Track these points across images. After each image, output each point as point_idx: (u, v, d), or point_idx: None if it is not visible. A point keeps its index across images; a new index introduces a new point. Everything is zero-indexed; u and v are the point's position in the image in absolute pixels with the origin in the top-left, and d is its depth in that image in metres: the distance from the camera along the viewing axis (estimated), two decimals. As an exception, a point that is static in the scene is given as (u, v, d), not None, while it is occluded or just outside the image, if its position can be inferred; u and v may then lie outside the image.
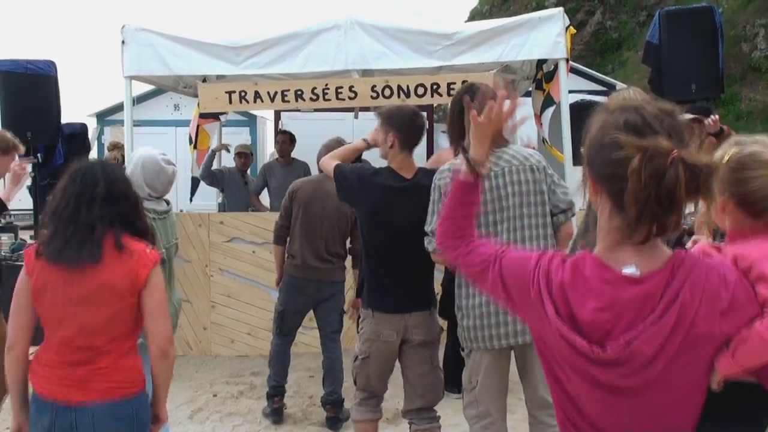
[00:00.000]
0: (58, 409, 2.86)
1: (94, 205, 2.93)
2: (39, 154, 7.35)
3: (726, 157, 2.01)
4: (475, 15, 29.74)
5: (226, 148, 8.63)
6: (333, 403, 5.48)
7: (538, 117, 6.78)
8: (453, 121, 3.82)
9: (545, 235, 3.62)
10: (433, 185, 3.75)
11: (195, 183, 8.47)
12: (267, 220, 6.83)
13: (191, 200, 8.71)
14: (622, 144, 1.62)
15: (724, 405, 1.75)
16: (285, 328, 5.56)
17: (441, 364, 4.32)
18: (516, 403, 3.70)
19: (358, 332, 4.29)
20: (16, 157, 5.10)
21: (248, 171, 9.07)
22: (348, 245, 5.67)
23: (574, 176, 6.01)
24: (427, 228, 3.69)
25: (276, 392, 5.55)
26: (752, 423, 1.90)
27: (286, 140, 8.60)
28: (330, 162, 4.32)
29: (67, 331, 2.88)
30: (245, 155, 8.82)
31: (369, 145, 4.41)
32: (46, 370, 2.91)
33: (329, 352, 5.57)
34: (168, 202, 4.35)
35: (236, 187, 8.68)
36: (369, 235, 4.15)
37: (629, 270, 1.68)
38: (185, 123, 10.19)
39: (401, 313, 4.04)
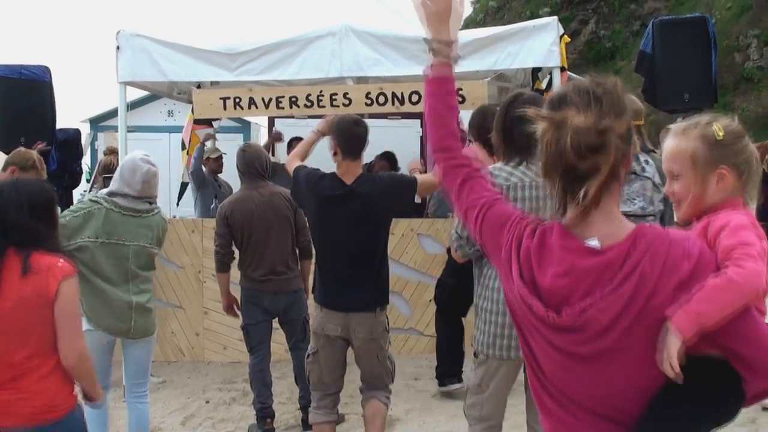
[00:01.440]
0: None
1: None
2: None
3: (720, 132, 2.02)
4: (470, 23, 29.81)
5: (213, 136, 8.46)
6: (305, 406, 5.50)
7: None
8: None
9: None
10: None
11: (183, 188, 8.46)
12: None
13: (177, 204, 8.69)
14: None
15: (684, 386, 1.69)
16: (253, 343, 5.47)
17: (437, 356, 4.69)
18: (509, 410, 3.71)
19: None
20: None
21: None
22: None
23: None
24: (453, 231, 3.67)
25: (264, 414, 5.40)
26: (714, 405, 1.82)
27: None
28: (291, 164, 4.59)
29: None
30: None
31: (321, 135, 4.62)
32: None
33: (297, 360, 5.52)
34: (151, 203, 4.46)
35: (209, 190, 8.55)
36: (314, 238, 4.49)
37: (592, 242, 1.72)
38: (179, 129, 10.15)
39: (344, 312, 4.25)
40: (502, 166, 3.52)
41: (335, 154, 4.30)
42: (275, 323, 5.55)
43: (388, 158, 8.74)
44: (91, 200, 4.38)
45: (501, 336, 3.52)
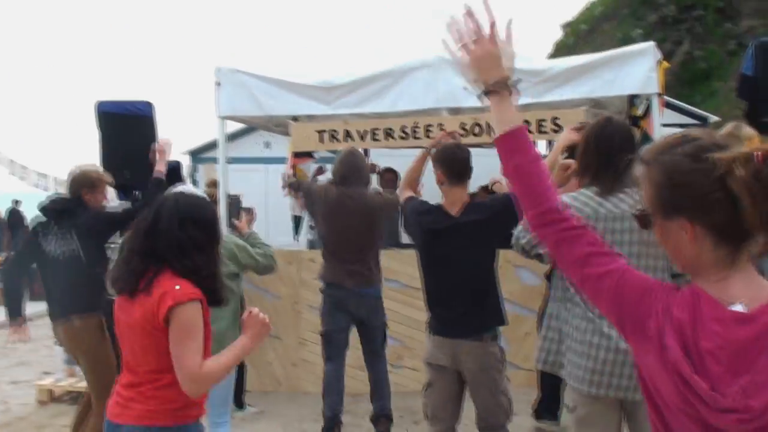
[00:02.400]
0: (108, 425, 3.02)
1: (139, 237, 3.04)
2: (136, 193, 7.56)
3: None
4: (561, 47, 29.59)
5: (324, 171, 8.64)
6: (382, 419, 5.52)
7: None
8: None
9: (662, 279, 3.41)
10: None
11: (297, 220, 8.61)
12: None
13: (297, 237, 8.82)
14: (716, 162, 1.57)
15: None
16: (333, 353, 5.59)
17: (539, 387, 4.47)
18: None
19: None
20: (107, 188, 5.71)
21: None
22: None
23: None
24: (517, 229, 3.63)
25: (331, 424, 5.48)
26: None
27: (391, 177, 8.72)
28: (402, 194, 4.66)
29: (124, 353, 3.05)
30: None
31: (430, 152, 4.64)
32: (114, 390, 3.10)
33: (374, 368, 5.62)
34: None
35: None
36: (422, 267, 4.43)
37: (737, 307, 1.61)
38: (275, 160, 10.36)
39: (450, 338, 4.20)
40: (591, 195, 3.36)
41: (441, 183, 4.30)
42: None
43: (488, 190, 8.70)
44: None
45: (601, 372, 3.29)
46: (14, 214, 22.59)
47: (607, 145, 3.38)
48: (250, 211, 7.32)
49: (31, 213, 14.12)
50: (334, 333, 5.61)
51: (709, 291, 1.65)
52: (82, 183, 5.50)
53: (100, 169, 5.73)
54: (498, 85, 1.95)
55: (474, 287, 4.23)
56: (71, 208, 5.42)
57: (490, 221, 4.19)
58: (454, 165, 4.28)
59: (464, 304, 4.20)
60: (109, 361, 5.25)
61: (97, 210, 5.52)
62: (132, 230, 3.17)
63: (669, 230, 1.71)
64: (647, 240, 3.26)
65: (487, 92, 1.98)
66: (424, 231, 4.31)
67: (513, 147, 1.92)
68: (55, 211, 5.44)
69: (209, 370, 2.90)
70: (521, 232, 3.55)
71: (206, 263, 3.04)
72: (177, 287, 2.91)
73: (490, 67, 1.96)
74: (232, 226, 5.14)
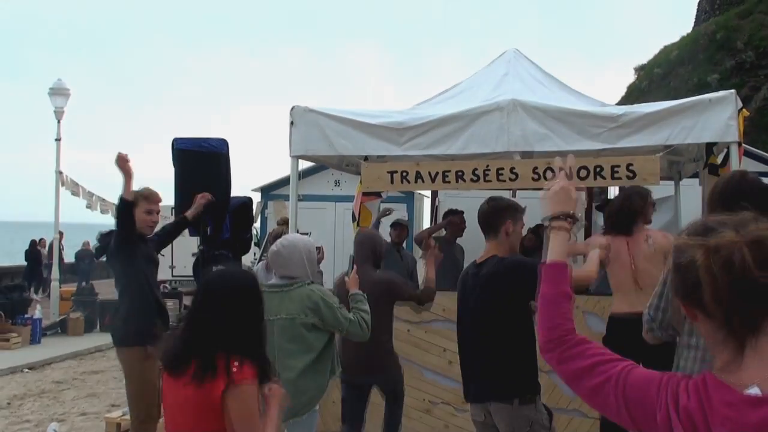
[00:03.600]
0: None
1: (191, 324, 3.07)
2: (208, 228, 7.68)
3: None
4: (633, 90, 29.29)
5: (389, 210, 8.71)
6: None
7: None
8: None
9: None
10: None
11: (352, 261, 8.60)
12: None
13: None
14: (683, 247, 1.67)
15: None
16: (347, 414, 5.70)
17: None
18: None
19: None
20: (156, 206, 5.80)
21: (404, 244, 9.13)
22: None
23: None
24: (646, 313, 3.44)
25: None
26: None
27: (457, 220, 8.73)
28: None
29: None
30: (401, 226, 8.91)
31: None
32: None
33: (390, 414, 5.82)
34: (291, 278, 4.53)
35: (391, 260, 8.73)
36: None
37: (752, 391, 1.57)
38: (345, 198, 10.42)
39: (476, 402, 4.26)
40: None
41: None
42: None
43: (536, 231, 8.59)
44: None
45: None
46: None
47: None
48: (319, 250, 7.37)
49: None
50: None
51: (722, 376, 1.64)
52: (137, 195, 5.66)
53: (149, 188, 5.87)
54: (562, 216, 2.27)
55: (493, 342, 4.23)
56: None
57: (506, 275, 4.20)
58: (479, 219, 4.41)
59: (482, 362, 4.27)
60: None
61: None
62: (186, 313, 3.23)
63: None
64: None
65: (552, 219, 2.28)
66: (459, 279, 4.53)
67: (548, 277, 2.15)
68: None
69: None
70: (653, 309, 3.38)
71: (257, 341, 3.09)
72: (235, 367, 2.91)
73: (562, 201, 2.31)
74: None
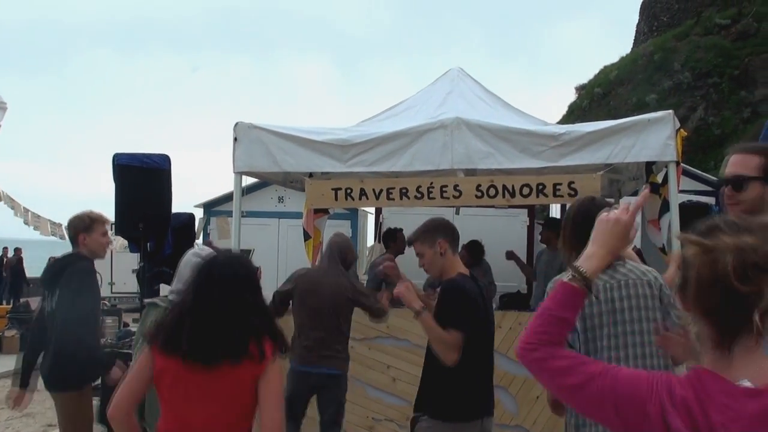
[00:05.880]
0: None
1: (218, 313, 3.14)
2: (149, 244, 7.56)
3: None
4: (575, 109, 29.78)
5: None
6: None
7: (656, 222, 6.57)
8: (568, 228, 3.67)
9: (664, 353, 3.42)
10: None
11: None
12: (364, 317, 6.68)
13: None
14: (684, 243, 1.73)
15: None
16: (293, 413, 5.87)
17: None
18: None
19: None
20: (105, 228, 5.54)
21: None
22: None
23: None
24: None
25: None
26: None
27: (402, 237, 8.71)
28: None
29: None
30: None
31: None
32: None
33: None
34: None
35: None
36: None
37: (744, 383, 1.62)
38: (289, 215, 10.36)
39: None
40: None
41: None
42: None
43: (469, 248, 8.61)
44: (148, 303, 4.46)
45: None
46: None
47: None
48: (258, 270, 7.28)
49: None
50: None
51: (716, 370, 1.68)
52: (78, 226, 5.42)
53: (96, 211, 5.61)
54: (582, 276, 2.09)
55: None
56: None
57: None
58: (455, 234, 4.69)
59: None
60: None
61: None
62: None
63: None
64: (644, 305, 3.44)
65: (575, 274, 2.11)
66: None
67: (558, 294, 2.06)
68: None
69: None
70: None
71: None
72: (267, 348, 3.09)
73: (616, 235, 2.17)
74: None
